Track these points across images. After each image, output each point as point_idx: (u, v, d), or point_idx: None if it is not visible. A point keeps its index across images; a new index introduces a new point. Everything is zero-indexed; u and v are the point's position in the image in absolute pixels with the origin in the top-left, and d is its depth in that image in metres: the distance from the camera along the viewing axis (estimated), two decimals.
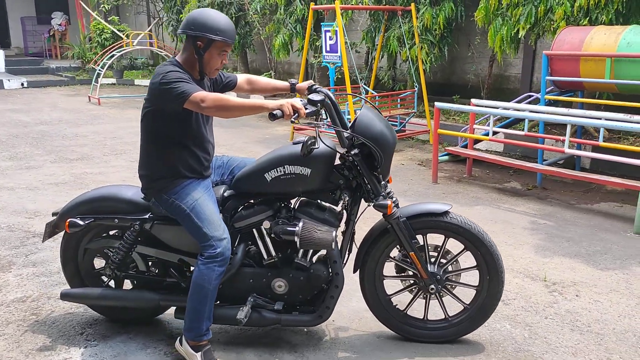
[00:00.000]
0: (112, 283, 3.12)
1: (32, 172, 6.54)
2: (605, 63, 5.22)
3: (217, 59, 2.68)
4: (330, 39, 8.30)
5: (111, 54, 13.27)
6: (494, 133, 6.07)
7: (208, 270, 2.61)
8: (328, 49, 8.20)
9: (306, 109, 2.52)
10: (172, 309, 3.17)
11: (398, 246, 2.88)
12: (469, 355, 2.86)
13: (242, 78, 3.07)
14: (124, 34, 14.50)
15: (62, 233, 3.11)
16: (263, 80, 3.13)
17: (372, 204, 2.73)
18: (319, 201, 2.84)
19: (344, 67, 7.35)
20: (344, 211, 2.85)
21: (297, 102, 2.50)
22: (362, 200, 2.84)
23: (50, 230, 3.07)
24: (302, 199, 2.86)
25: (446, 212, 2.80)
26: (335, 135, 2.75)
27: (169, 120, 2.65)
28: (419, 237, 2.85)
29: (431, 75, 8.62)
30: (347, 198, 2.78)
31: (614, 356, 2.85)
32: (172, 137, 2.69)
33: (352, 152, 2.70)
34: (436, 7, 7.91)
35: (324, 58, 8.51)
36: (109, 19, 16.05)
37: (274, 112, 2.44)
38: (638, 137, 6.37)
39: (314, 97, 2.59)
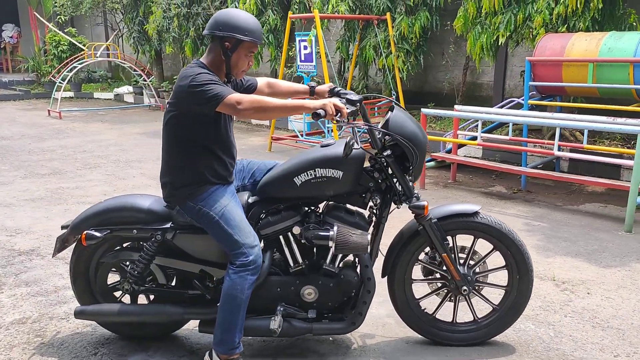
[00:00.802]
0: (125, 298, 2.96)
1: (3, 188, 6.20)
2: (587, 68, 5.39)
3: (244, 60, 2.61)
4: (305, 48, 8.28)
5: (72, 66, 12.84)
6: (474, 138, 6.16)
7: (240, 279, 2.51)
8: (303, 58, 8.17)
9: (347, 109, 2.46)
10: (189, 324, 3.05)
11: (428, 248, 2.85)
12: (501, 356, 2.85)
13: (262, 82, 2.99)
14: (84, 46, 14.07)
15: (71, 247, 2.93)
16: (283, 83, 3.05)
17: (408, 204, 2.69)
18: (347, 205, 2.78)
19: (324, 75, 7.33)
20: (373, 215, 2.80)
21: (339, 101, 2.45)
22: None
23: (60, 245, 2.89)
24: (330, 203, 2.80)
25: (476, 213, 2.79)
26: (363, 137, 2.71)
27: (195, 124, 2.55)
28: (449, 239, 2.82)
29: (408, 83, 8.71)
30: (378, 200, 2.73)
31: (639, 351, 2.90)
32: (199, 142, 2.59)
33: (385, 154, 2.66)
34: (412, 17, 8.01)
35: (299, 68, 8.48)
36: (65, 30, 15.57)
37: (318, 112, 2.39)
38: (613, 141, 6.59)
39: (352, 97, 2.56)
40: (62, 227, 2.91)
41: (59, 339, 3.03)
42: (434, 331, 2.93)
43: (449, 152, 6.63)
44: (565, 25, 6.02)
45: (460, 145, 6.83)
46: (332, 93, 2.89)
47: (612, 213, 5.26)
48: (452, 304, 2.94)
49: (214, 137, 2.61)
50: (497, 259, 2.92)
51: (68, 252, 2.98)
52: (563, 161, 6.52)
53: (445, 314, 2.99)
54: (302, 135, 8.15)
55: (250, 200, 2.77)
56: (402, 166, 2.70)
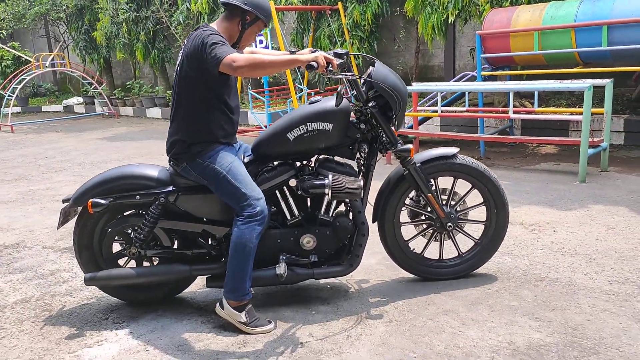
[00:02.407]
0: (130, 264, 3.08)
1: None
2: (533, 37, 5.80)
3: (253, 36, 2.83)
4: (261, 42, 8.47)
5: (20, 79, 12.56)
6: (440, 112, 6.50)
7: (249, 229, 2.68)
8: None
9: (336, 61, 2.68)
10: (192, 287, 3.19)
11: (413, 192, 3.09)
12: (487, 283, 3.12)
13: (247, 51, 3.15)
14: (31, 58, 13.77)
15: (73, 220, 3.03)
16: (265, 52, 3.22)
17: (394, 150, 2.92)
18: (336, 158, 3.00)
19: None
20: (361, 165, 3.02)
21: (328, 54, 2.66)
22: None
23: (64, 218, 2.98)
24: (320, 157, 3.00)
25: (455, 155, 3.06)
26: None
27: (206, 84, 2.69)
28: (432, 182, 3.08)
29: (364, 69, 9.00)
30: (366, 150, 2.95)
31: (606, 268, 3.24)
32: (210, 101, 2.73)
33: (369, 105, 2.89)
34: (363, 4, 8.32)
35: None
36: (8, 44, 15.18)
37: (312, 64, 2.58)
38: (560, 107, 7.07)
39: (339, 50, 2.77)
40: (64, 201, 3.00)
41: (67, 310, 3.12)
42: (423, 269, 3.19)
43: (410, 128, 6.95)
44: (509, 1, 6.43)
45: (421, 122, 7.17)
46: None
47: (565, 169, 5.68)
48: (438, 243, 3.20)
49: (224, 97, 2.77)
50: (475, 199, 3.20)
51: (58, 241, 3.08)
52: (516, 129, 6.95)
53: (432, 252, 3.25)
54: (265, 127, 8.33)
55: (245, 160, 2.95)
56: (385, 116, 2.93)
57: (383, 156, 3.05)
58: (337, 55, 2.77)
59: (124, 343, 2.73)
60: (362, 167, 3.02)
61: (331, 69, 2.65)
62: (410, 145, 2.93)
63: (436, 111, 6.24)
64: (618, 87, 7.11)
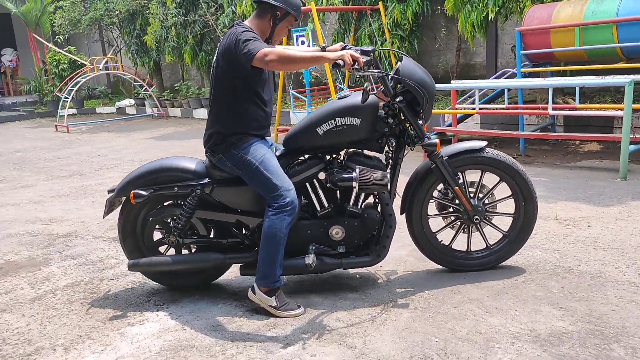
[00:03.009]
0: (170, 252, 3.27)
1: (29, 190, 6.52)
2: (574, 32, 5.73)
3: (284, 31, 2.98)
4: (303, 43, 8.64)
5: (76, 81, 13.19)
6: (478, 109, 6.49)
7: (279, 219, 2.81)
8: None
9: (362, 59, 2.77)
10: (227, 275, 3.36)
11: (441, 184, 3.16)
12: (514, 275, 3.16)
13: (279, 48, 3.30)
14: (86, 61, 14.45)
15: (117, 210, 3.25)
16: (297, 49, 3.35)
17: (421, 144, 3.00)
18: (365, 151, 3.10)
19: (325, 67, 7.66)
20: (389, 158, 3.11)
21: (354, 52, 2.77)
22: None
23: (109, 207, 3.20)
24: (349, 150, 3.11)
25: (482, 148, 3.11)
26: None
27: (241, 78, 2.84)
28: (459, 175, 3.14)
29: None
30: (393, 144, 3.04)
31: (638, 262, 3.21)
32: (245, 95, 2.89)
33: (397, 100, 2.98)
34: (403, 4, 8.37)
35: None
36: (64, 49, 15.93)
37: (338, 62, 2.68)
38: (604, 104, 6.92)
39: (366, 48, 2.87)
40: (109, 192, 3.22)
41: (113, 294, 3.34)
42: (450, 260, 3.25)
43: (449, 126, 6.96)
44: None
45: (460, 120, 7.17)
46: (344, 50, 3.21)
47: (607, 166, 5.58)
48: (466, 235, 3.26)
49: (257, 91, 2.91)
50: (504, 192, 3.24)
51: (107, 231, 3.30)
52: (558, 126, 6.85)
53: (460, 244, 3.31)
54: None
55: (277, 154, 3.09)
56: (413, 111, 3.01)
57: (411, 149, 3.13)
58: (363, 52, 2.87)
59: (164, 323, 2.91)
60: (390, 160, 3.11)
61: (357, 66, 2.74)
62: (436, 140, 3.00)
63: (474, 109, 6.23)
64: None
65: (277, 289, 2.91)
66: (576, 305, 2.76)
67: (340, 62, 2.69)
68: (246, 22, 2.93)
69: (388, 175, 2.97)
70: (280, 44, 9.55)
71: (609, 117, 5.89)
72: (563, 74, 6.67)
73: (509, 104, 6.39)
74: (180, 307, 3.08)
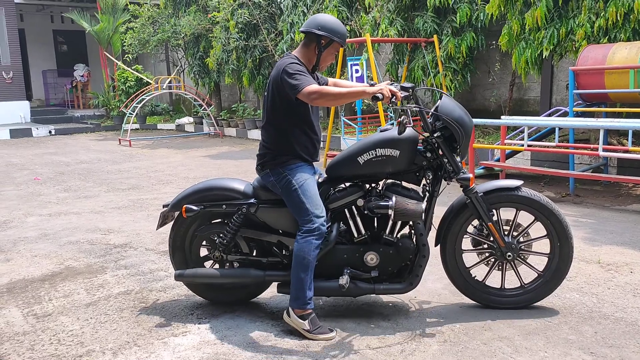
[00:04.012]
0: (215, 267, 3.47)
1: (90, 200, 6.95)
2: (629, 74, 5.67)
3: (331, 57, 3.22)
4: (357, 72, 8.86)
5: (140, 99, 13.90)
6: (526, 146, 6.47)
7: (306, 243, 2.99)
8: (354, 81, 8.74)
9: (401, 94, 2.95)
10: (266, 294, 3.52)
11: (476, 220, 3.24)
12: (547, 316, 3.18)
13: (330, 81, 3.53)
14: (151, 80, 15.21)
15: (169, 225, 3.49)
16: (346, 82, 3.60)
17: (456, 177, 3.12)
18: (403, 183, 3.24)
19: None
20: (426, 191, 3.23)
21: (393, 87, 2.95)
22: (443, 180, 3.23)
23: (162, 220, 3.45)
24: (388, 181, 3.25)
25: (518, 187, 3.18)
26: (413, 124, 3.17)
27: (288, 107, 3.09)
28: (494, 212, 3.21)
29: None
30: (430, 176, 3.17)
31: None
32: (291, 121, 3.13)
33: (435, 135, 3.11)
34: (458, 37, 8.47)
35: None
36: (132, 67, 16.82)
37: (377, 95, 2.87)
38: None
39: (406, 84, 3.05)
40: (164, 206, 3.47)
41: (160, 304, 3.57)
42: (484, 296, 3.30)
43: (497, 161, 6.96)
44: (607, 37, 6.32)
45: (509, 156, 7.16)
46: None
47: None
48: (500, 272, 3.31)
49: (303, 119, 3.15)
50: (541, 231, 3.27)
51: (159, 245, 3.54)
52: (612, 167, 6.73)
53: (495, 281, 3.35)
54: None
55: (320, 180, 3.27)
56: (450, 147, 3.14)
57: (448, 184, 3.24)
58: (403, 88, 3.04)
59: (204, 336, 3.10)
60: (427, 193, 3.23)
61: (394, 100, 2.91)
62: (470, 175, 3.11)
63: (523, 145, 6.23)
64: None
65: (310, 313, 3.04)
66: (607, 351, 2.76)
67: (380, 95, 2.87)
68: (294, 52, 3.17)
69: (423, 205, 3.10)
70: (333, 71, 9.84)
71: None
72: (619, 115, 6.58)
73: (560, 141, 6.36)
74: (220, 322, 3.26)
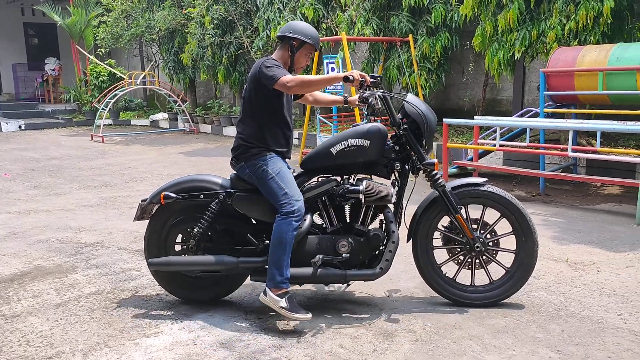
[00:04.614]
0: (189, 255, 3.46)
1: (61, 197, 6.83)
2: (597, 77, 5.81)
3: (304, 58, 3.34)
4: (333, 70, 8.88)
5: (113, 94, 13.69)
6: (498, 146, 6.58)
7: (286, 224, 3.07)
8: (327, 86, 8.76)
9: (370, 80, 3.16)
10: (240, 294, 3.52)
11: (446, 217, 3.31)
12: (516, 315, 3.24)
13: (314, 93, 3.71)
14: (125, 75, 15.00)
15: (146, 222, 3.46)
16: (322, 94, 3.80)
17: (422, 163, 3.25)
18: (373, 177, 3.37)
19: (352, 94, 7.86)
20: (396, 184, 3.33)
21: (363, 73, 3.13)
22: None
23: (141, 213, 3.44)
24: (359, 176, 3.37)
25: (483, 184, 3.28)
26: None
27: (266, 102, 3.22)
28: (462, 209, 3.30)
29: (430, 100, 9.19)
30: (399, 168, 3.28)
31: None
32: (266, 116, 3.26)
33: (403, 127, 3.23)
34: (433, 37, 8.54)
35: (326, 89, 9.08)
36: (105, 62, 16.55)
37: (348, 77, 3.05)
38: (628, 147, 6.93)
39: (373, 74, 3.21)
40: (142, 200, 3.45)
41: (132, 304, 3.53)
42: (454, 292, 3.37)
43: (470, 160, 7.05)
44: (577, 40, 6.45)
45: (482, 155, 7.27)
46: (360, 99, 3.46)
47: (626, 210, 5.60)
48: (470, 270, 3.37)
49: (278, 115, 3.28)
50: (507, 229, 3.34)
51: (131, 243, 3.50)
52: (581, 167, 6.88)
53: (465, 279, 3.41)
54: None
55: (295, 173, 3.36)
56: (416, 138, 3.27)
57: (416, 177, 3.35)
58: (372, 77, 3.20)
59: (177, 336, 3.09)
60: (396, 186, 3.34)
61: (365, 83, 3.11)
62: (434, 160, 3.24)
63: (495, 145, 6.32)
64: None
65: (287, 292, 3.11)
66: (573, 349, 2.83)
67: (350, 77, 3.06)
68: (272, 55, 3.31)
69: (392, 190, 3.22)
70: (309, 70, 9.86)
71: (631, 162, 5.91)
72: (588, 116, 6.73)
73: (531, 142, 6.47)
74: (193, 322, 3.25)
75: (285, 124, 3.33)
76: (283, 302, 3.07)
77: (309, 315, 3.09)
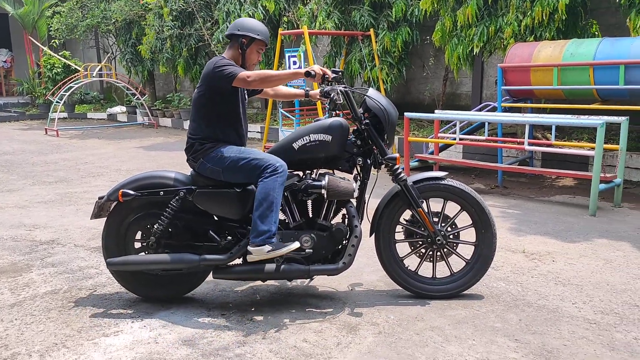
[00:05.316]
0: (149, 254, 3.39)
1: (14, 194, 6.60)
2: (552, 72, 5.96)
3: (255, 55, 3.30)
4: (295, 63, 8.85)
5: (68, 87, 13.29)
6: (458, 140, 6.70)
7: (272, 180, 3.08)
8: (289, 82, 8.73)
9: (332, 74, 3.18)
10: (202, 291, 3.49)
11: (408, 211, 3.35)
12: (476, 306, 3.31)
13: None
14: (80, 67, 14.57)
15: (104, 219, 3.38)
16: (283, 87, 3.76)
17: (384, 158, 3.27)
18: (335, 172, 3.40)
19: (314, 88, 7.85)
20: (358, 179, 3.35)
21: (324, 68, 3.15)
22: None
23: (98, 210, 3.35)
24: (321, 170, 3.37)
25: (444, 178, 3.34)
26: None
27: (217, 100, 3.20)
28: (424, 203, 3.35)
29: (391, 94, 9.27)
30: (361, 162, 3.30)
31: (594, 299, 3.38)
32: (219, 115, 3.25)
33: (364, 122, 3.26)
34: (394, 32, 8.61)
35: (288, 83, 9.05)
36: (59, 53, 16.04)
37: (309, 72, 3.06)
38: (582, 140, 7.16)
39: (335, 69, 3.21)
40: (99, 198, 3.36)
41: (91, 303, 3.45)
42: (416, 284, 3.41)
43: (431, 154, 7.16)
44: (533, 36, 6.61)
45: (442, 149, 7.38)
46: (322, 93, 3.46)
47: (579, 202, 5.78)
48: (431, 263, 3.42)
49: (229, 114, 3.26)
50: (468, 223, 3.40)
51: (89, 241, 3.42)
52: (537, 160, 7.07)
53: (426, 272, 3.46)
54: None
55: None
56: (378, 132, 3.29)
57: (377, 171, 3.39)
58: (334, 71, 3.22)
59: (138, 335, 3.03)
60: (358, 181, 3.35)
61: (327, 77, 3.13)
62: (396, 154, 3.28)
63: (455, 139, 6.43)
64: None
65: (271, 249, 3.09)
66: (530, 338, 2.91)
67: (312, 72, 3.08)
68: (223, 54, 3.28)
69: (354, 184, 3.23)
70: (270, 62, 9.80)
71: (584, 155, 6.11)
72: (543, 110, 6.91)
73: (489, 135, 6.61)
74: (154, 320, 3.19)
75: (238, 121, 3.33)
76: (267, 247, 3.06)
77: (297, 244, 3.11)
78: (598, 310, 3.23)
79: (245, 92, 3.45)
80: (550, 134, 6.99)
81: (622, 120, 5.30)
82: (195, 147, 3.26)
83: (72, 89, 13.42)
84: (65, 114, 15.73)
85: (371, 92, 3.33)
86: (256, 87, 3.19)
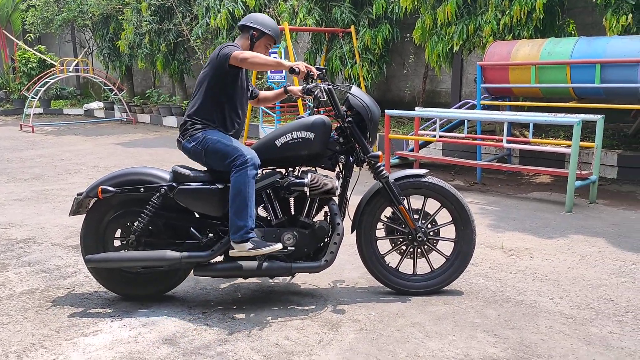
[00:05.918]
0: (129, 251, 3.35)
1: None
2: (530, 70, 6.05)
3: (263, 49, 3.39)
4: (275, 58, 8.82)
5: (44, 82, 13.06)
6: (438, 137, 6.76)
7: (243, 174, 3.09)
8: (272, 70, 8.70)
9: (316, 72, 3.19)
10: (183, 290, 3.46)
11: (389, 208, 3.37)
12: (456, 302, 3.35)
13: (261, 94, 3.80)
14: (56, 62, 14.32)
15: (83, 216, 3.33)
16: (268, 92, 3.85)
17: (366, 156, 3.28)
18: (317, 170, 3.39)
19: (295, 84, 7.83)
20: (340, 177, 3.36)
21: (309, 65, 3.16)
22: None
23: (76, 207, 3.30)
24: (303, 168, 3.37)
25: (424, 175, 3.37)
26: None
27: (220, 84, 3.26)
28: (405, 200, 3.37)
29: (372, 91, 9.30)
30: (344, 160, 3.31)
31: (571, 294, 3.45)
32: (219, 98, 3.28)
33: (347, 120, 3.26)
34: (374, 29, 8.64)
35: (269, 79, 9.02)
36: (34, 48, 15.75)
37: (294, 68, 3.06)
38: (559, 138, 7.28)
39: (319, 66, 3.19)
40: (78, 194, 3.31)
41: (69, 303, 3.40)
42: (397, 281, 3.43)
43: (411, 151, 7.20)
44: (511, 34, 6.70)
45: (423, 146, 7.44)
46: (303, 90, 3.46)
47: (556, 199, 5.88)
48: (412, 260, 3.45)
49: (229, 101, 3.31)
50: (447, 220, 3.44)
51: (66, 239, 3.37)
52: (514, 157, 7.17)
53: (407, 269, 3.49)
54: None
55: None
56: (361, 130, 3.31)
57: (360, 169, 3.40)
58: (318, 69, 3.24)
59: (117, 334, 2.99)
60: (341, 179, 3.36)
61: (311, 74, 3.14)
62: (379, 152, 3.29)
63: (435, 136, 6.48)
64: (616, 122, 7.30)
65: (251, 245, 3.11)
66: (509, 333, 2.95)
67: (296, 68, 3.08)
68: (235, 42, 3.37)
69: (337, 182, 3.25)
70: None
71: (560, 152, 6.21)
72: (521, 108, 7.01)
73: (468, 133, 6.67)
74: (134, 319, 3.16)
75: (234, 110, 3.36)
76: (248, 245, 3.08)
77: (279, 245, 3.13)
78: (574, 305, 3.29)
79: (248, 90, 3.53)
80: (528, 131, 7.10)
81: (598, 118, 5.40)
82: (187, 126, 3.32)
83: (47, 84, 13.20)
84: (40, 110, 15.48)
85: (354, 89, 3.34)
86: (247, 67, 3.20)
